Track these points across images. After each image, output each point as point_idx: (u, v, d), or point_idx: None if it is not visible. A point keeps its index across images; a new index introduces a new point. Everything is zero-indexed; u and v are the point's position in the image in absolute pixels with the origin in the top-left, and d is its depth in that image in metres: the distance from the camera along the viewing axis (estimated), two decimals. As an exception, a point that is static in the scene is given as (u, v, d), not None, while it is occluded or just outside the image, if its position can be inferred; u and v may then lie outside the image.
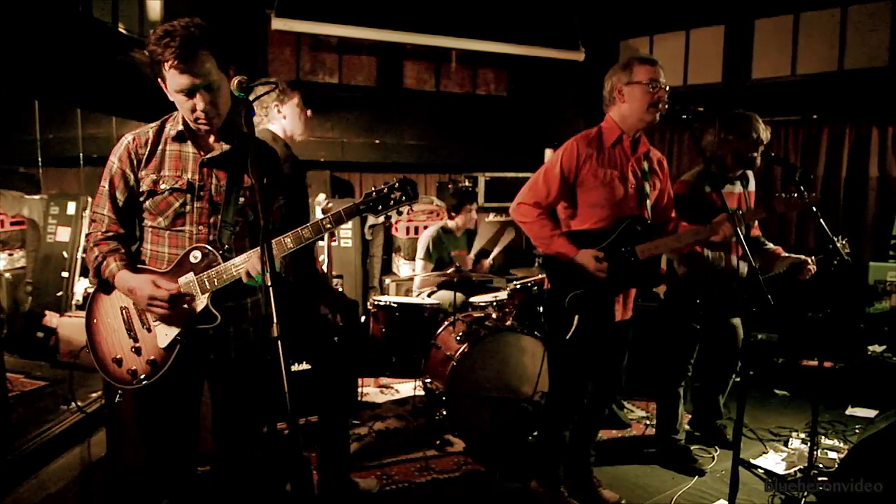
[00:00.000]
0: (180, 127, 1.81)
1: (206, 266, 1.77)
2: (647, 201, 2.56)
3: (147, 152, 1.80)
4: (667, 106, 2.39)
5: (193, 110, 1.72)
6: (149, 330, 1.81)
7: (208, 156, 1.80)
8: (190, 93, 1.70)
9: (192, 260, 1.78)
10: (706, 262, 2.97)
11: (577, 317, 2.49)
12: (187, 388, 1.87)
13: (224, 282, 1.76)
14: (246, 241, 1.86)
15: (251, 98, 2.54)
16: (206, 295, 1.77)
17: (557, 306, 2.52)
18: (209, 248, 1.78)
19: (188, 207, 1.79)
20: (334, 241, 3.54)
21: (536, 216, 2.52)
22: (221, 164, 1.82)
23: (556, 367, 2.69)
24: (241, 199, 1.83)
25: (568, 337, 2.51)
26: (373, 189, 1.75)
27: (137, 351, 1.81)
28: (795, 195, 2.60)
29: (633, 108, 2.47)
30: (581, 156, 2.49)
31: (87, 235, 1.86)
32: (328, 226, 1.73)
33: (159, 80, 1.75)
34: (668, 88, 2.44)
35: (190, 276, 1.78)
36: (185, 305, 1.76)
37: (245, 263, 1.75)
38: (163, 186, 1.78)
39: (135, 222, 1.86)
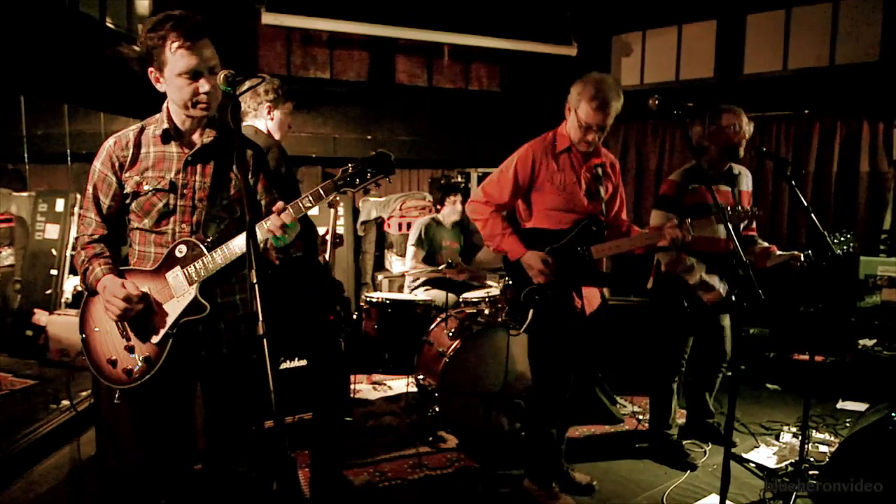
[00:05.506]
0: (165, 125, 1.81)
1: (191, 258, 1.79)
2: (602, 205, 2.66)
3: (129, 155, 1.81)
4: (658, 102, 2.38)
5: (195, 94, 1.72)
6: None
7: (192, 152, 1.81)
8: (195, 75, 1.71)
9: (177, 254, 1.81)
10: (685, 269, 2.99)
11: (531, 311, 2.58)
12: (181, 386, 1.88)
13: (209, 272, 1.78)
14: (227, 227, 1.86)
15: (243, 90, 2.58)
16: (195, 286, 1.79)
17: (515, 301, 2.61)
18: (193, 240, 1.80)
19: (171, 207, 1.81)
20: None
21: (489, 214, 2.63)
22: (206, 159, 1.83)
23: (535, 363, 2.73)
24: (227, 194, 1.83)
25: (522, 330, 2.61)
26: (349, 164, 1.76)
27: (131, 349, 1.83)
28: (740, 210, 2.77)
29: (571, 132, 2.61)
30: (536, 162, 2.59)
31: (76, 238, 1.91)
32: (308, 204, 1.74)
33: (151, 69, 1.74)
34: (604, 131, 2.55)
35: (177, 269, 1.80)
36: (141, 306, 1.77)
37: (226, 250, 1.77)
38: (146, 187, 1.80)
39: (122, 224, 1.89)
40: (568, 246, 2.58)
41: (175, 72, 1.71)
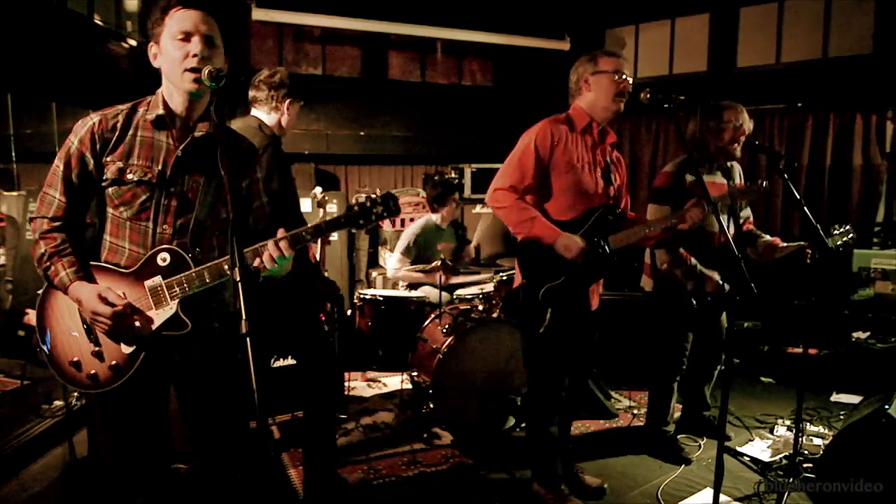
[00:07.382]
0: (160, 111, 1.66)
1: (174, 270, 1.65)
2: (615, 190, 2.60)
3: (115, 137, 1.65)
4: (650, 96, 2.37)
5: (185, 57, 1.58)
6: None
7: (182, 146, 1.68)
8: (188, 35, 1.58)
9: (159, 262, 1.65)
10: (687, 270, 2.95)
11: (549, 311, 2.49)
12: (152, 390, 1.77)
13: (195, 288, 1.64)
14: (214, 239, 1.74)
15: (260, 78, 2.55)
16: (175, 301, 1.65)
17: (532, 300, 2.51)
18: (179, 250, 1.66)
19: (155, 202, 1.67)
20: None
21: (514, 200, 2.50)
22: (198, 156, 1.69)
23: (535, 362, 2.68)
24: (220, 198, 1.72)
25: (542, 331, 2.50)
26: (355, 202, 1.71)
27: (99, 355, 1.67)
28: (749, 183, 2.66)
29: (599, 96, 2.53)
30: (554, 137, 2.51)
31: (31, 220, 1.71)
32: (307, 237, 1.65)
33: (151, 43, 1.64)
34: (631, 81, 2.51)
35: (158, 279, 1.65)
36: (136, 322, 1.63)
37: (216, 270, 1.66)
38: (130, 176, 1.64)
39: (87, 208, 1.70)
40: (585, 237, 2.46)
41: (171, 35, 1.59)
